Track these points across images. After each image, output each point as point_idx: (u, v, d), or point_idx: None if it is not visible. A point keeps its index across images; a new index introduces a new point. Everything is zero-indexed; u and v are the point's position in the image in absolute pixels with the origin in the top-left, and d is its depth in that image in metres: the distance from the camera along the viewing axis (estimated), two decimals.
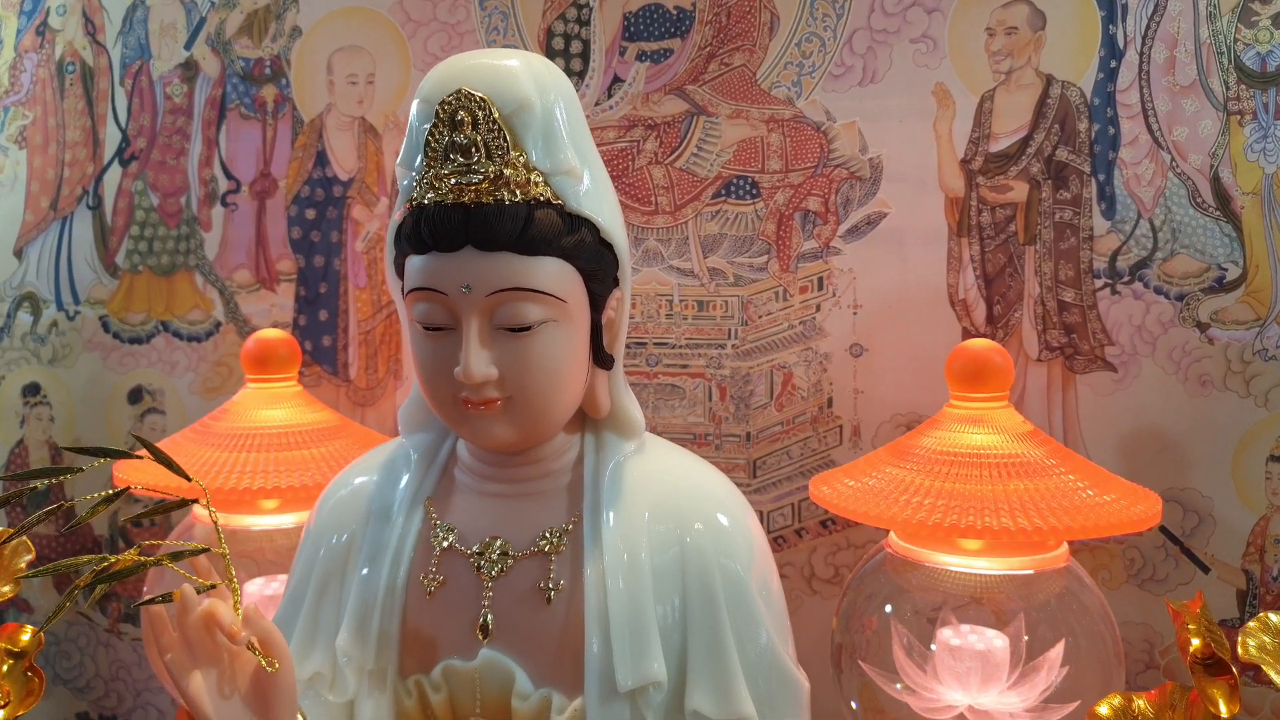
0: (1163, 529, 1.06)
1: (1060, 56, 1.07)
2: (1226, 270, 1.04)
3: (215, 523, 0.61)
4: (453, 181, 0.62)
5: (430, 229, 0.63)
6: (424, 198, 0.63)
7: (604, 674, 0.65)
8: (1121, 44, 1.05)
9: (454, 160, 0.62)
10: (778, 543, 1.13)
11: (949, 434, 0.81)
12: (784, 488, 1.14)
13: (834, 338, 1.12)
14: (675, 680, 0.66)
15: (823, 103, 1.11)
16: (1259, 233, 1.04)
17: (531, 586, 0.67)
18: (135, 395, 1.29)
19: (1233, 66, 1.04)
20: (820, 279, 1.12)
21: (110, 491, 0.61)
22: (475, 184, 0.62)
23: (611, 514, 0.68)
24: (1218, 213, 1.04)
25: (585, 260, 0.65)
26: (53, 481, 0.60)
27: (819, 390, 1.13)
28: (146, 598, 0.59)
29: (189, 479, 0.61)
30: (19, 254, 1.32)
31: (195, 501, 0.60)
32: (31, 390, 1.31)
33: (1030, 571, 0.79)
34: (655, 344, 1.16)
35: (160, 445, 0.69)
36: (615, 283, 0.69)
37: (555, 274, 0.64)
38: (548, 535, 0.68)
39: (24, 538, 0.80)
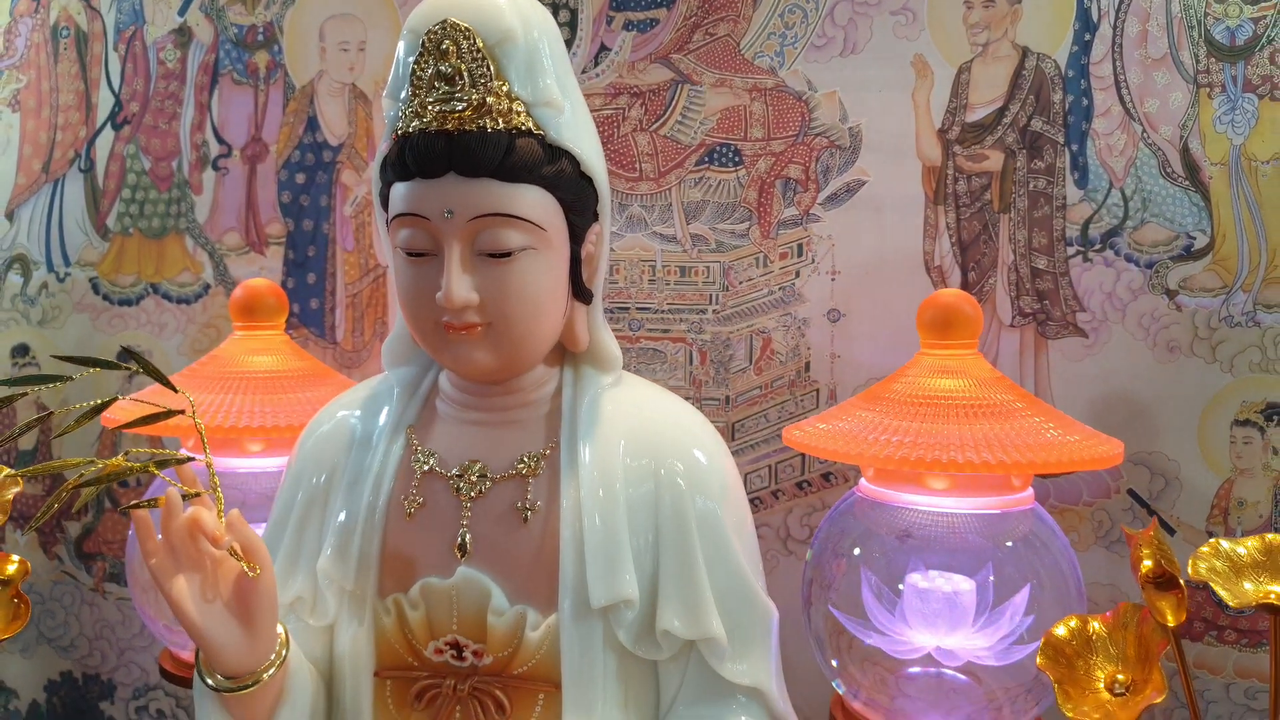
0: (1130, 492, 1.08)
1: (1036, 29, 1.10)
2: (1195, 239, 1.07)
3: (201, 432, 0.62)
4: (437, 109, 0.64)
5: (414, 155, 0.65)
6: (409, 126, 0.65)
7: (577, 591, 0.67)
8: (1095, 17, 1.08)
9: (438, 89, 0.64)
10: (755, 504, 1.15)
11: (919, 380, 0.83)
12: (761, 450, 1.16)
13: (812, 303, 1.14)
14: (647, 602, 0.68)
15: (804, 72, 1.14)
16: (1226, 202, 1.06)
17: (509, 507, 0.69)
18: (124, 357, 1.31)
19: (1203, 40, 1.06)
20: (800, 245, 1.15)
21: (98, 402, 0.63)
22: (459, 111, 0.64)
23: (587, 441, 0.70)
24: (1187, 183, 1.07)
25: (565, 191, 0.67)
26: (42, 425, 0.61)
27: (797, 354, 1.15)
28: (133, 502, 0.60)
29: (175, 389, 0.63)
30: (10, 216, 1.34)
31: (181, 412, 0.62)
32: (21, 351, 1.33)
33: (996, 511, 0.81)
34: (638, 309, 1.18)
35: (146, 390, 0.71)
36: (595, 217, 0.71)
37: (536, 202, 0.66)
38: (525, 459, 0.70)
39: (13, 471, 0.82)
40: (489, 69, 0.64)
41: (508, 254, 0.65)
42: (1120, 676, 0.63)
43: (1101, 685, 0.63)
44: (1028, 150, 1.10)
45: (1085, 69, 1.09)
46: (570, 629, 0.67)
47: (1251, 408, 1.06)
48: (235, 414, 0.89)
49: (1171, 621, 0.61)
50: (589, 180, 0.69)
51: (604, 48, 1.18)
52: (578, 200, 0.68)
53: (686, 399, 1.15)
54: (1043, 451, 0.77)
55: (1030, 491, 0.84)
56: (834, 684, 0.89)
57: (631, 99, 1.17)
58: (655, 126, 1.17)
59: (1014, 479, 0.81)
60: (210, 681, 0.64)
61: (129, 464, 0.60)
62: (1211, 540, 0.69)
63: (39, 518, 0.57)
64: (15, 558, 0.80)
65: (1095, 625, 0.65)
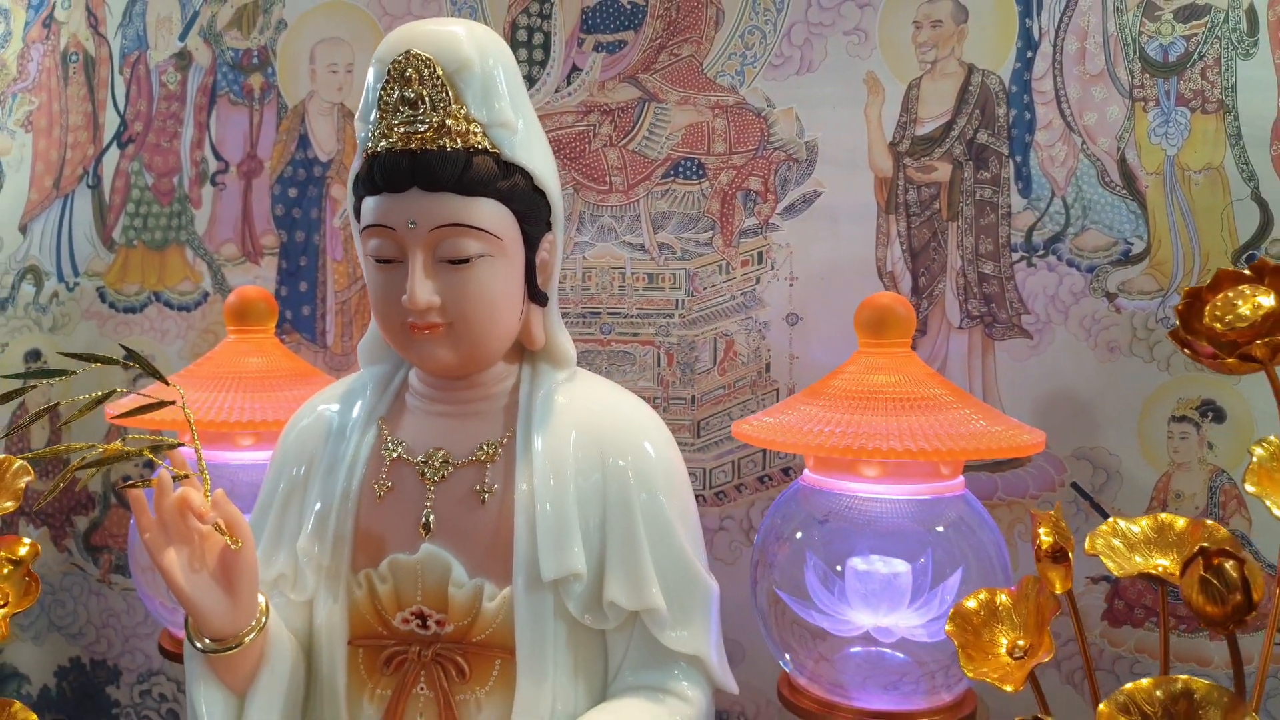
0: (1074, 485, 1.14)
1: (981, 47, 1.16)
2: (1132, 244, 1.13)
3: (189, 420, 0.69)
4: (401, 130, 0.71)
5: (381, 172, 0.72)
6: (377, 146, 0.73)
7: (530, 566, 0.73)
8: (1037, 36, 1.15)
9: (403, 112, 0.71)
10: (719, 497, 1.22)
11: (856, 376, 0.90)
12: (725, 446, 1.22)
13: (772, 307, 1.21)
14: (594, 577, 0.75)
15: (763, 90, 1.21)
16: (1161, 210, 1.13)
17: (469, 490, 0.76)
18: (127, 356, 1.39)
19: (1138, 57, 1.13)
20: (760, 253, 1.21)
21: (99, 394, 0.70)
22: (421, 132, 0.71)
23: (541, 431, 0.77)
24: (1124, 191, 1.14)
25: (519, 203, 0.74)
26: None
27: (758, 356, 1.21)
28: (129, 482, 0.67)
29: (166, 382, 0.70)
30: (24, 229, 1.42)
31: (172, 402, 0.69)
32: (33, 356, 1.41)
33: (928, 497, 0.88)
34: (609, 313, 1.25)
35: (146, 390, 0.78)
36: (548, 226, 0.78)
37: (491, 213, 0.73)
38: (484, 447, 0.77)
39: (24, 462, 0.89)
40: (448, 94, 0.71)
41: (466, 260, 0.72)
42: (1020, 642, 0.69)
43: (1003, 650, 0.70)
44: (974, 161, 1.16)
45: (1028, 84, 1.15)
46: (523, 600, 0.73)
47: (1187, 404, 1.12)
48: (227, 410, 0.96)
49: (1059, 589, 0.68)
50: (542, 194, 0.76)
51: (575, 68, 1.25)
52: (531, 211, 0.75)
53: (654, 399, 1.23)
54: (968, 440, 0.83)
55: (960, 480, 0.91)
56: (781, 662, 0.96)
57: (601, 116, 1.24)
58: (624, 142, 1.24)
59: (943, 467, 0.87)
60: (198, 644, 0.71)
61: (125, 448, 0.67)
62: (1110, 520, 0.75)
63: (46, 495, 0.64)
64: (27, 540, 0.87)
65: (1002, 597, 0.72)
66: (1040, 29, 1.15)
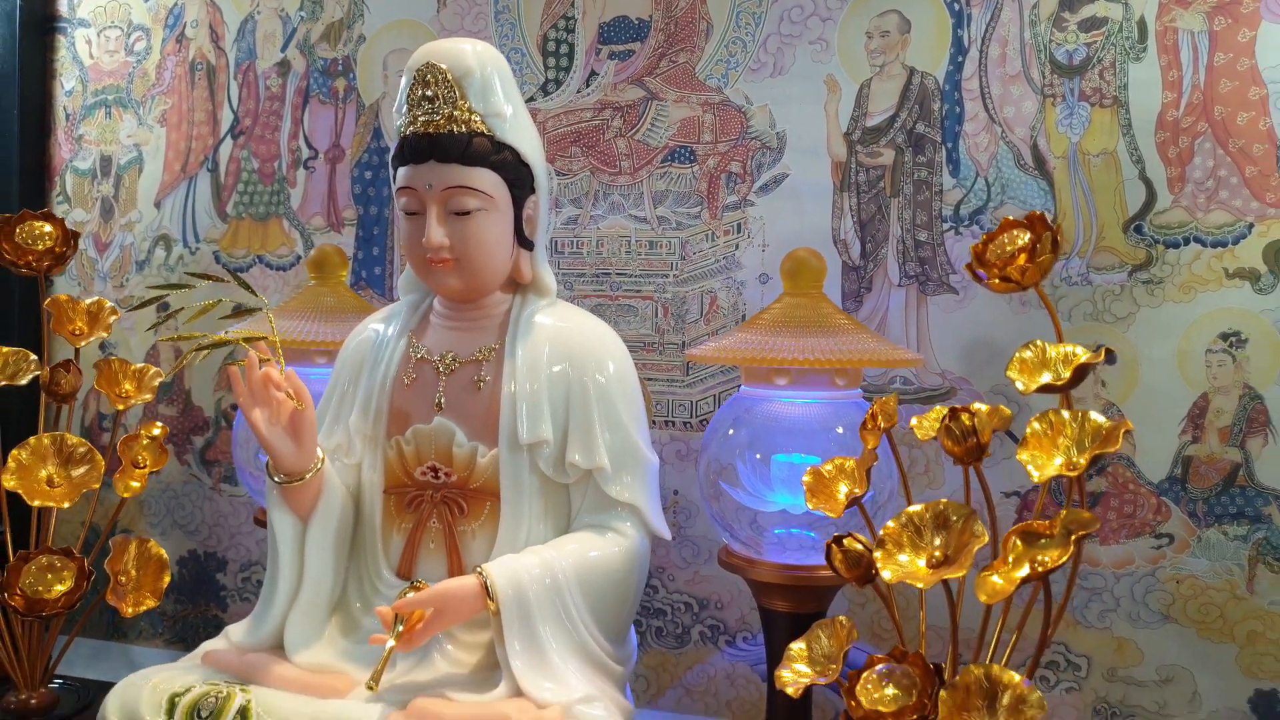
0: None
1: (920, 53, 1.40)
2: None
3: (270, 320, 0.99)
4: (422, 119, 1.00)
5: (409, 149, 1.01)
6: (406, 130, 1.01)
7: (511, 433, 1.01)
8: (966, 43, 1.39)
9: (423, 106, 1.00)
10: (702, 424, 1.48)
11: (778, 311, 1.15)
12: (709, 383, 1.49)
13: (748, 269, 1.47)
14: (559, 444, 1.02)
15: (743, 90, 1.47)
16: (1066, 188, 1.35)
17: (469, 380, 1.04)
18: (234, 316, 1.72)
19: (1048, 60, 1.36)
20: (739, 224, 1.47)
21: (211, 303, 1.01)
22: (436, 120, 0.99)
23: (524, 341, 1.05)
24: (1036, 172, 1.36)
25: (508, 172, 1.02)
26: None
27: (736, 309, 1.47)
28: (233, 363, 0.97)
29: (255, 293, 1.01)
30: (158, 205, 1.77)
31: (259, 309, 0.99)
32: (163, 307, 1.75)
33: (828, 402, 1.12)
34: (617, 274, 1.53)
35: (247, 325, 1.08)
36: (532, 190, 1.05)
37: (487, 179, 1.01)
38: (482, 350, 1.05)
39: (157, 368, 1.21)
40: (456, 93, 1.00)
41: (468, 212, 1.00)
42: (846, 485, 0.93)
43: (841, 495, 0.94)
44: (913, 148, 1.41)
45: (958, 84, 1.39)
46: (507, 458, 1.01)
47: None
48: (306, 334, 1.27)
49: (872, 445, 0.92)
50: (527, 166, 1.04)
51: (593, 73, 1.53)
52: (518, 179, 1.03)
53: (652, 344, 1.50)
54: (855, 355, 1.08)
55: (858, 391, 1.15)
56: (722, 536, 1.22)
57: (613, 112, 1.52)
58: (631, 133, 1.51)
59: (837, 378, 1.12)
60: (276, 478, 1.01)
61: (230, 337, 0.97)
62: (938, 406, 1.00)
63: (174, 369, 0.95)
64: (159, 424, 1.19)
65: (848, 464, 0.97)
66: (969, 38, 1.38)
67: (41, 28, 1.81)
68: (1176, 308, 1.31)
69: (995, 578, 0.77)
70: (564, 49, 1.55)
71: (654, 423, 1.50)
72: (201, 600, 1.74)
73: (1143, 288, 1.32)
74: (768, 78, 1.46)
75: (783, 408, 1.14)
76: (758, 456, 1.13)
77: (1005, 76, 1.37)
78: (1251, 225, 1.28)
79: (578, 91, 1.54)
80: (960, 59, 1.39)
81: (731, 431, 1.16)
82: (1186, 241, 1.31)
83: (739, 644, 1.47)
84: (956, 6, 1.38)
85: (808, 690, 1.00)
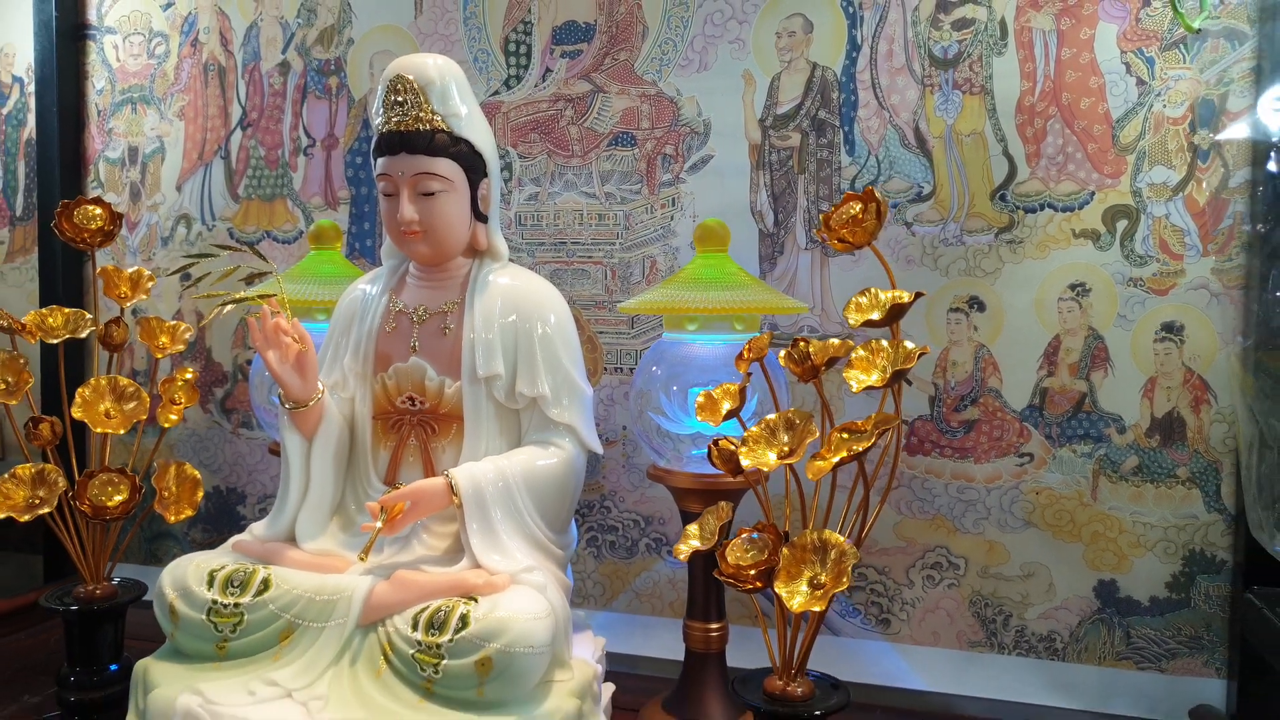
0: None
1: (822, 50, 1.66)
2: (923, 188, 1.62)
3: (279, 280, 1.26)
4: (395, 119, 1.25)
5: (385, 143, 1.26)
6: (383, 128, 1.27)
7: (471, 369, 1.27)
8: (860, 41, 1.64)
9: (395, 109, 1.25)
10: None
11: (691, 270, 1.41)
12: (650, 335, 1.75)
13: (681, 237, 1.73)
14: (509, 377, 1.28)
15: (675, 84, 1.72)
16: (943, 163, 1.61)
17: (437, 328, 1.30)
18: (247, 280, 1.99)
19: (927, 55, 1.61)
20: (673, 199, 1.73)
21: (231, 268, 1.27)
22: (406, 121, 1.25)
23: (480, 296, 1.31)
24: (918, 150, 1.62)
25: (464, 161, 1.28)
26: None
27: (672, 271, 1.73)
28: (251, 313, 1.24)
29: (266, 260, 1.27)
30: (179, 189, 2.03)
31: (269, 273, 1.25)
32: (185, 277, 2.01)
33: (731, 345, 1.39)
34: (571, 243, 1.79)
35: (255, 290, 1.35)
36: (485, 174, 1.31)
37: (447, 166, 1.26)
38: (447, 304, 1.31)
39: (189, 325, 1.48)
40: (421, 98, 1.25)
41: (432, 194, 1.26)
42: (729, 403, 1.19)
43: (722, 410, 1.20)
44: (816, 132, 1.66)
45: (853, 75, 1.64)
46: (468, 389, 1.28)
47: (960, 299, 1.61)
48: (309, 294, 1.54)
49: (744, 369, 1.19)
50: (479, 155, 1.30)
51: (548, 69, 1.79)
52: (473, 166, 1.29)
53: (602, 302, 1.77)
54: (750, 304, 1.34)
55: (767, 335, 1.42)
56: (650, 455, 1.49)
57: (566, 103, 1.78)
58: (581, 121, 1.77)
59: (736, 324, 1.38)
60: (286, 406, 1.27)
61: (248, 295, 1.24)
62: (801, 338, 1.26)
63: (204, 322, 1.21)
64: (190, 369, 1.46)
65: (731, 388, 1.23)
66: (862, 36, 1.63)
67: (74, 35, 2.07)
68: (1034, 263, 1.57)
69: (819, 461, 1.03)
70: (523, 49, 1.80)
71: (605, 369, 1.77)
72: (225, 528, 2.02)
73: (1006, 247, 1.58)
74: (694, 73, 1.71)
75: (694, 349, 1.40)
76: (675, 389, 1.40)
77: (892, 69, 1.62)
78: (1093, 193, 1.54)
79: (535, 86, 1.79)
80: (855, 55, 1.64)
81: (655, 369, 1.43)
82: (1041, 208, 1.56)
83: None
84: (851, 9, 1.63)
85: (717, 581, 1.28)
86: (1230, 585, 1.49)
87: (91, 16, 2.10)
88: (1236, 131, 1.46)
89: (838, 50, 1.65)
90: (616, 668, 1.47)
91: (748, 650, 1.47)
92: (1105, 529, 1.55)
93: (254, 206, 1.99)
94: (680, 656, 1.45)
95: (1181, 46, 1.49)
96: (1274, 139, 1.41)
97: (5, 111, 2.20)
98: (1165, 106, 1.50)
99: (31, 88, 2.15)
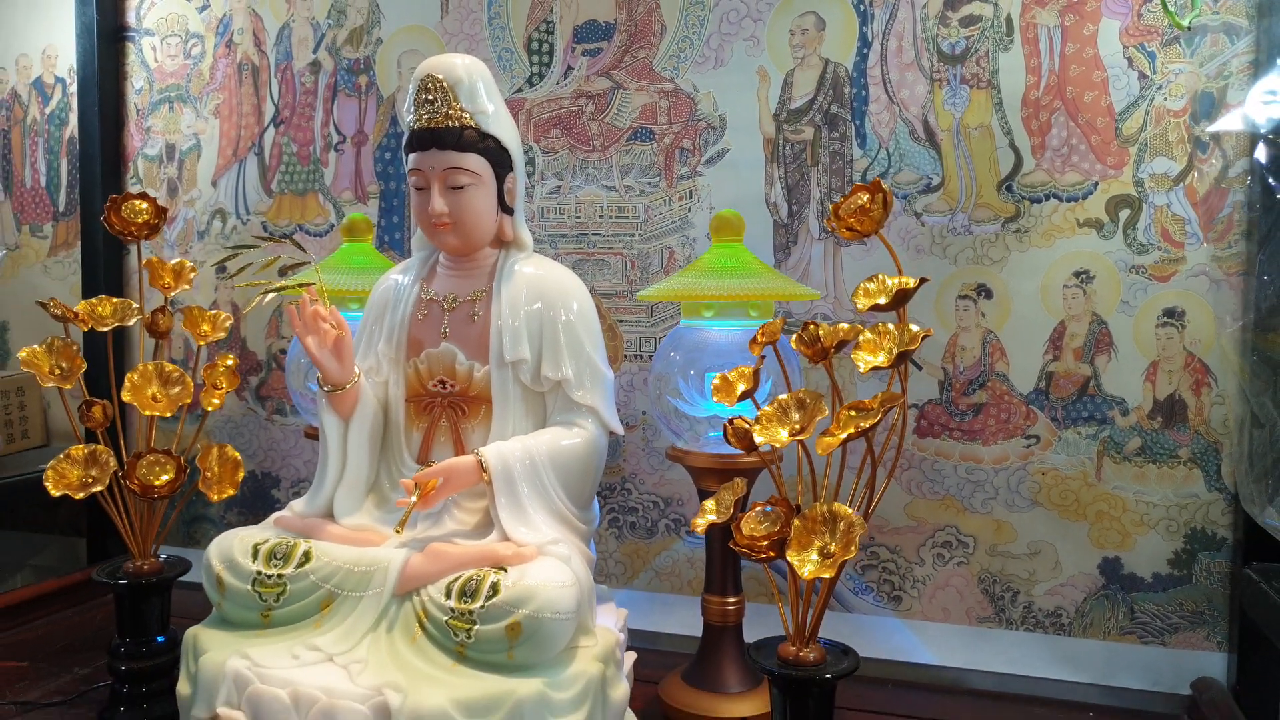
0: None
1: (834, 46, 1.71)
2: (932, 180, 1.67)
3: (318, 270, 1.33)
4: (425, 116, 1.32)
5: (416, 139, 1.33)
6: (414, 125, 1.34)
7: (499, 353, 1.34)
8: (870, 37, 1.69)
9: (426, 107, 1.32)
10: None
11: (707, 259, 1.48)
12: (669, 323, 1.82)
13: (698, 228, 1.79)
14: (534, 362, 1.35)
15: (692, 80, 1.78)
16: (951, 156, 1.66)
17: (467, 315, 1.37)
18: (283, 271, 2.07)
19: (935, 51, 1.66)
20: (690, 191, 1.80)
21: (272, 258, 1.34)
22: (436, 118, 1.32)
23: (506, 285, 1.37)
24: (927, 143, 1.67)
25: (491, 156, 1.34)
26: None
27: (690, 261, 1.80)
28: (291, 301, 1.31)
29: (305, 251, 1.34)
30: (215, 184, 2.11)
31: (307, 263, 1.32)
32: (220, 270, 2.10)
33: (745, 331, 1.45)
34: (592, 234, 1.85)
35: (299, 276, 1.42)
36: (511, 169, 1.38)
37: (475, 161, 1.33)
38: (475, 292, 1.38)
39: (228, 314, 1.55)
40: (450, 96, 1.32)
41: (461, 187, 1.33)
42: (743, 385, 1.26)
43: (737, 391, 1.26)
44: (828, 126, 1.72)
45: (864, 71, 1.70)
46: (495, 373, 1.35)
47: (968, 287, 1.66)
48: (343, 284, 1.61)
49: (757, 351, 1.25)
50: (506, 151, 1.36)
51: (570, 67, 1.85)
52: (499, 161, 1.35)
53: (622, 292, 1.83)
54: (763, 291, 1.40)
55: (780, 320, 1.48)
56: (668, 436, 1.55)
57: (587, 100, 1.84)
58: (602, 117, 1.83)
59: (751, 310, 1.44)
60: (325, 389, 1.34)
61: (287, 283, 1.31)
62: (811, 322, 1.32)
63: (249, 308, 1.28)
64: (231, 356, 1.53)
65: (745, 371, 1.29)
66: (873, 33, 1.69)
67: (114, 37, 2.15)
68: (1040, 252, 1.62)
69: (828, 437, 1.10)
70: (545, 48, 1.87)
71: (625, 356, 1.84)
72: (260, 511, 2.10)
73: (1013, 236, 1.63)
74: (711, 69, 1.77)
75: (710, 334, 1.46)
76: (692, 373, 1.46)
77: (902, 65, 1.68)
78: (1096, 183, 1.59)
79: (557, 83, 1.86)
80: (866, 51, 1.70)
81: (673, 354, 1.49)
82: (1046, 198, 1.62)
83: (696, 534, 1.81)
84: (862, 7, 1.69)
85: (734, 556, 1.34)
86: (1230, 561, 1.54)
87: (131, 19, 2.18)
88: (1235, 123, 1.51)
89: (849, 47, 1.70)
90: (637, 643, 1.54)
91: (763, 626, 1.53)
92: (1109, 508, 1.60)
93: (287, 201, 2.06)
94: (699, 632, 1.51)
95: (1182, 41, 1.54)
96: (1261, 131, 1.46)
97: (48, 111, 2.29)
98: (1166, 99, 1.55)
99: (73, 88, 2.23)
